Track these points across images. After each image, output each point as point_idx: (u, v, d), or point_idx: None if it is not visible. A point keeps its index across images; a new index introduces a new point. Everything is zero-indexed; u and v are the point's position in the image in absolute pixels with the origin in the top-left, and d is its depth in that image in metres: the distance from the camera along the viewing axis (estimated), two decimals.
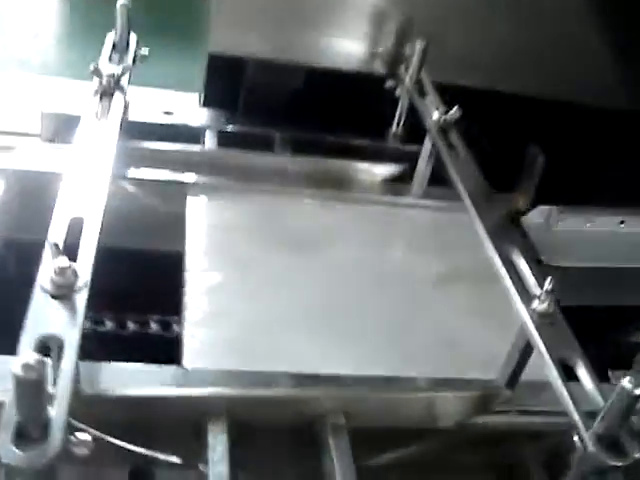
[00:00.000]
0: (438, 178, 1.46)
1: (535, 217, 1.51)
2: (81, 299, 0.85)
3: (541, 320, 0.96)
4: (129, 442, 0.97)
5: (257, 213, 1.37)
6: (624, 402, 0.79)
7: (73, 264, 0.88)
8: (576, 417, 0.85)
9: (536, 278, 1.02)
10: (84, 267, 0.89)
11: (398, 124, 1.59)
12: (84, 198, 1.01)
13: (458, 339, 1.17)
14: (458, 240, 1.36)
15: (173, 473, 0.98)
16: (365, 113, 1.56)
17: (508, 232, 1.12)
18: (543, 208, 1.51)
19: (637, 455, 0.81)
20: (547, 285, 0.97)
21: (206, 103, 1.67)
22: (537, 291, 0.99)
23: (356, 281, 1.25)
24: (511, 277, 1.02)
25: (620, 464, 0.81)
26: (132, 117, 1.48)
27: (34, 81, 1.65)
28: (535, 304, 0.97)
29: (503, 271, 1.03)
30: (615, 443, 0.82)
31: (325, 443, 0.97)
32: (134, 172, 1.40)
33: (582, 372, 0.91)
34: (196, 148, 1.48)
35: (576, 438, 0.84)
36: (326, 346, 1.10)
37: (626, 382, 0.78)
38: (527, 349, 0.99)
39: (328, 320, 1.16)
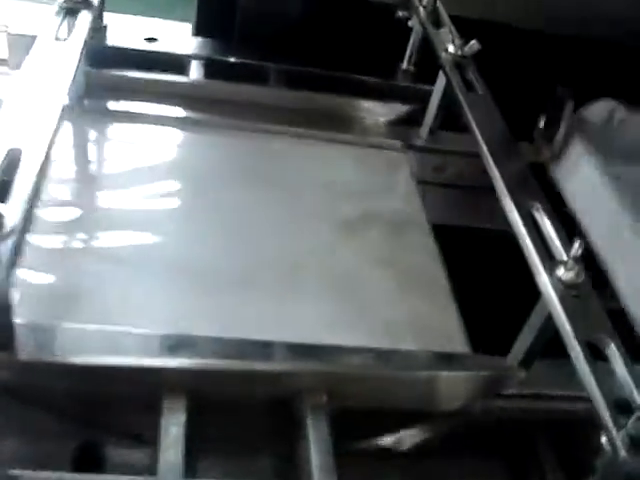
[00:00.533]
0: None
1: (595, 113, 1.31)
2: (6, 248, 0.70)
3: (567, 291, 0.80)
4: (74, 415, 0.83)
5: (241, 153, 1.20)
6: None
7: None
8: (605, 413, 0.69)
9: (562, 242, 0.86)
10: (14, 209, 0.73)
11: (409, 60, 1.41)
12: (28, 128, 0.84)
13: None
14: None
15: (124, 452, 0.83)
16: (372, 47, 1.39)
17: (531, 187, 0.95)
18: (606, 103, 1.30)
19: None
20: (575, 250, 0.80)
21: (198, 33, 1.48)
22: (563, 257, 0.83)
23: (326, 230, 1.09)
24: (532, 239, 0.85)
25: None
26: (111, 43, 1.35)
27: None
28: (561, 272, 0.81)
29: (523, 231, 0.86)
30: None
31: (302, 425, 0.81)
32: (106, 104, 1.22)
33: (613, 355, 0.75)
34: (176, 78, 1.30)
35: (604, 439, 0.68)
36: None
37: None
38: (548, 324, 0.83)
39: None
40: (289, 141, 1.24)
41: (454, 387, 0.89)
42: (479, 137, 1.03)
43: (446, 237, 1.24)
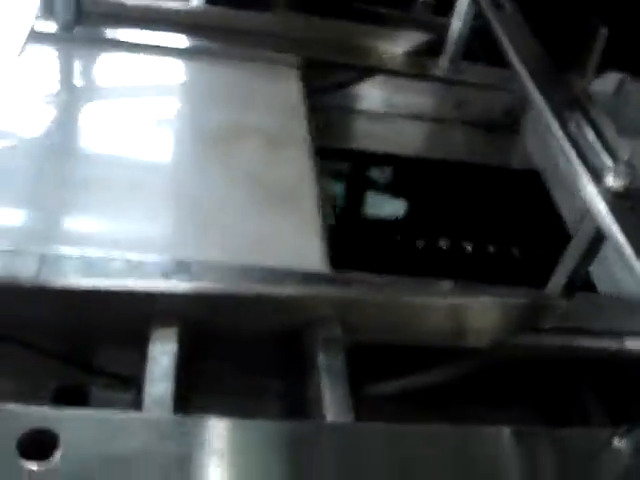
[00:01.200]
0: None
1: (602, 86, 1.20)
2: None
3: (618, 202, 0.68)
4: (55, 352, 0.72)
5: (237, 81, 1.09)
6: None
7: None
8: None
9: (610, 152, 0.74)
10: None
11: None
12: None
13: None
14: None
15: (109, 394, 0.73)
16: None
17: (571, 100, 0.84)
18: (613, 75, 1.20)
19: None
20: (625, 154, 0.69)
21: None
22: (610, 164, 0.72)
23: None
24: (575, 149, 0.74)
25: None
26: None
27: None
28: (609, 180, 0.70)
29: (564, 140, 0.75)
30: None
31: (313, 361, 0.70)
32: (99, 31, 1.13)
33: None
34: (176, 5, 1.19)
35: None
36: None
37: None
38: (594, 244, 0.72)
39: None
40: None
41: (485, 318, 0.78)
42: (511, 53, 0.92)
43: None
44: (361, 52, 1.21)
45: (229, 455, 0.57)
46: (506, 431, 0.64)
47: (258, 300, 0.72)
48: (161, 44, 1.14)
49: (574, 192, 0.73)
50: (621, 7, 1.28)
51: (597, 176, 0.71)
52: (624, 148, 0.70)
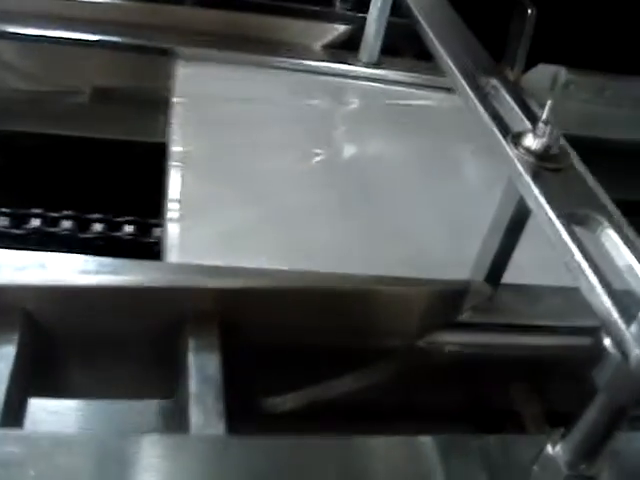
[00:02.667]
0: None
1: (535, 78, 1.12)
2: None
3: (540, 164, 0.58)
4: None
5: None
6: None
7: None
8: (606, 304, 0.47)
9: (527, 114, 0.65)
10: None
11: None
12: None
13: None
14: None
15: None
16: None
17: (484, 61, 0.74)
18: (546, 67, 1.13)
19: None
20: (546, 112, 0.59)
21: None
22: (528, 125, 0.62)
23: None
24: (485, 108, 0.64)
25: None
26: None
27: None
28: (528, 141, 0.60)
29: (474, 99, 0.65)
30: None
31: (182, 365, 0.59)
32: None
33: (609, 239, 0.54)
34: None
35: (608, 342, 0.46)
36: None
37: None
38: (519, 218, 0.62)
39: None
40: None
41: (396, 311, 0.67)
42: (424, 25, 0.83)
43: None
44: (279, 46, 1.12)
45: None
46: (424, 440, 0.54)
47: (116, 293, 0.60)
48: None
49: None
50: None
51: (516, 139, 0.61)
52: (546, 107, 0.60)
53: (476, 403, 0.72)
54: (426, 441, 0.54)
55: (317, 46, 1.15)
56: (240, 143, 0.89)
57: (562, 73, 1.18)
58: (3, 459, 0.46)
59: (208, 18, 1.13)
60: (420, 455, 0.54)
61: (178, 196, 0.76)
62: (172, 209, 0.74)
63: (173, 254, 0.66)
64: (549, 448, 0.53)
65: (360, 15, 1.18)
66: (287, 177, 0.85)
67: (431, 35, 0.82)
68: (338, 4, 1.24)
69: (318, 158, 0.91)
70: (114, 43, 1.05)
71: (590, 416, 0.50)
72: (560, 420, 0.55)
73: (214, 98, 0.98)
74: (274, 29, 1.14)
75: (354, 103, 1.09)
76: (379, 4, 1.07)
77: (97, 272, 0.62)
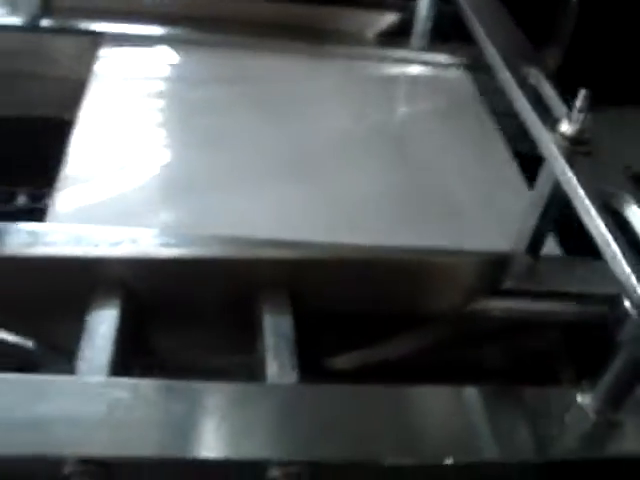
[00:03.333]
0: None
1: None
2: None
3: (573, 148, 0.66)
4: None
5: (218, 66, 1.07)
6: None
7: None
8: (626, 272, 0.55)
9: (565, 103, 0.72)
10: None
11: None
12: None
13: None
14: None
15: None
16: None
17: (528, 54, 0.81)
18: None
19: None
20: (580, 101, 0.66)
21: None
22: (564, 112, 0.69)
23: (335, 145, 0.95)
24: (527, 97, 0.71)
25: None
26: None
27: None
28: (564, 127, 0.67)
29: (517, 89, 0.72)
30: None
31: (259, 326, 0.67)
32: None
33: (634, 215, 0.61)
34: None
35: (628, 304, 0.54)
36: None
37: None
38: (555, 195, 0.69)
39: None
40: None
41: (447, 279, 0.75)
42: (477, 28, 0.89)
43: None
44: (334, 36, 1.19)
45: (161, 416, 0.54)
46: (470, 390, 0.62)
47: (202, 265, 0.69)
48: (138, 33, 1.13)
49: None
50: None
51: (552, 124, 0.68)
52: (580, 96, 0.67)
53: (517, 363, 0.79)
54: (471, 391, 0.62)
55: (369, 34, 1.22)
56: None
57: None
58: (112, 403, 0.56)
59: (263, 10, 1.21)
60: (465, 403, 0.62)
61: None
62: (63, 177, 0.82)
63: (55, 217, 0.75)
64: (579, 398, 0.61)
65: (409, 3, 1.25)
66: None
67: (477, 25, 0.89)
68: None
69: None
70: None
71: (614, 369, 0.58)
72: (590, 376, 0.63)
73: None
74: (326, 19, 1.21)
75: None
76: None
77: (179, 245, 0.71)
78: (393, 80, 1.15)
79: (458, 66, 1.16)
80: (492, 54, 0.81)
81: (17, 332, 0.73)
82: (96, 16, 1.15)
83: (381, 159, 0.94)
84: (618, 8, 1.30)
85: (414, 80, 1.16)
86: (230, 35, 1.15)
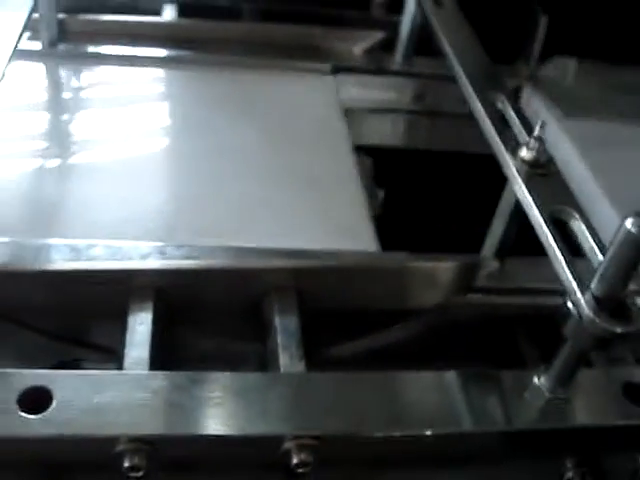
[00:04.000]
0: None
1: (549, 70, 1.31)
2: None
3: (532, 170, 0.79)
4: (50, 331, 0.83)
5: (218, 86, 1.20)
6: (628, 251, 0.61)
7: None
8: (569, 277, 0.68)
9: (525, 128, 0.85)
10: None
11: None
12: None
13: None
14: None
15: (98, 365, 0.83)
16: None
17: (494, 81, 0.94)
18: (559, 60, 1.31)
19: None
20: (537, 130, 0.79)
21: None
22: (524, 138, 0.82)
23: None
24: (495, 126, 0.84)
25: (625, 331, 0.64)
26: None
27: None
28: (523, 152, 0.80)
29: (485, 118, 0.85)
30: (619, 306, 0.65)
31: (270, 325, 0.81)
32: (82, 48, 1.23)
33: (579, 228, 0.74)
34: (151, 19, 1.30)
35: (570, 304, 0.67)
36: None
37: (630, 223, 0.60)
38: (516, 209, 0.82)
39: None
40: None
41: (428, 280, 0.88)
42: (446, 46, 1.02)
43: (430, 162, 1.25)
44: (323, 53, 1.32)
45: (194, 401, 0.68)
46: (448, 374, 0.75)
47: (222, 273, 0.82)
48: (148, 55, 1.24)
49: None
50: None
51: (512, 149, 0.81)
52: (538, 125, 0.80)
53: (488, 349, 0.93)
54: (449, 375, 0.75)
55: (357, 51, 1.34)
56: None
57: (573, 63, 1.35)
58: (155, 391, 0.69)
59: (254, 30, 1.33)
60: (444, 385, 0.74)
61: None
62: None
63: None
64: (536, 379, 0.74)
65: (393, 19, 1.37)
66: None
67: (448, 48, 1.01)
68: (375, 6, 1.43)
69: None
70: None
71: (562, 356, 0.71)
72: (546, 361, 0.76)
73: None
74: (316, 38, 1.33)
75: None
76: (410, 15, 1.25)
77: (200, 257, 0.84)
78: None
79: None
80: (463, 82, 0.94)
81: (60, 332, 0.86)
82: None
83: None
84: (588, 18, 1.42)
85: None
86: (225, 55, 1.26)
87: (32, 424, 0.63)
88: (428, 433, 0.68)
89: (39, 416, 0.64)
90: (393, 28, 1.32)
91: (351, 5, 1.41)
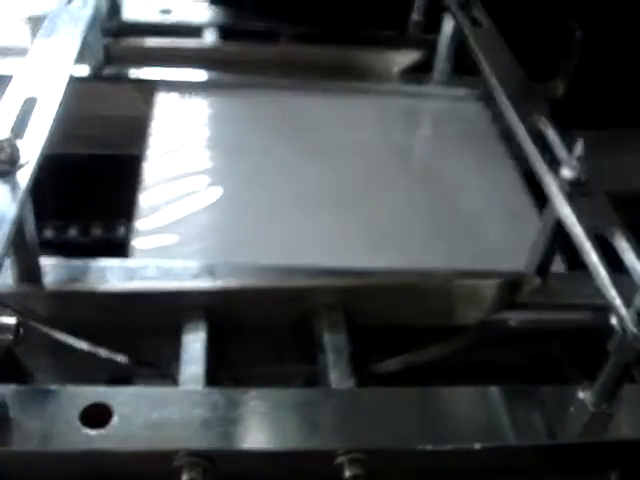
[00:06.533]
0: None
1: None
2: (24, 175, 0.73)
3: (572, 190, 0.81)
4: (105, 346, 0.86)
5: (261, 106, 1.23)
6: None
7: (17, 141, 0.76)
8: (613, 293, 0.69)
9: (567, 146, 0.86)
10: (30, 144, 0.77)
11: (419, 10, 1.41)
12: (42, 80, 0.88)
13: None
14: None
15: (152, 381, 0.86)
16: (381, 3, 1.40)
17: (534, 101, 0.96)
18: None
19: None
20: (578, 150, 0.81)
21: (213, 1, 1.51)
22: (565, 156, 0.84)
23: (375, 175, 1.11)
24: (535, 144, 0.86)
25: None
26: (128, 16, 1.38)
27: None
28: (564, 171, 0.82)
29: (527, 137, 0.87)
30: None
31: (319, 342, 0.83)
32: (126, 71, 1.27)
33: (622, 246, 0.76)
34: (194, 43, 1.33)
35: (614, 320, 0.69)
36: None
37: None
38: (558, 228, 0.84)
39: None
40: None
41: (472, 297, 0.90)
42: (491, 78, 1.03)
43: None
44: (361, 74, 1.34)
45: (249, 417, 0.70)
46: (492, 389, 0.76)
47: (271, 292, 0.85)
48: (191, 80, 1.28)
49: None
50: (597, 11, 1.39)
51: (554, 168, 0.83)
52: (578, 145, 0.82)
53: (531, 365, 0.95)
54: (493, 390, 0.77)
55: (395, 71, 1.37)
56: None
57: None
58: (211, 407, 0.71)
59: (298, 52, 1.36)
60: (488, 400, 0.76)
61: None
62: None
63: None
64: (580, 394, 0.75)
65: (431, 37, 1.39)
66: None
67: (488, 70, 1.03)
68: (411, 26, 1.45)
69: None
70: None
71: (607, 371, 0.72)
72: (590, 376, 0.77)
73: None
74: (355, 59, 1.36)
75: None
76: (447, 34, 1.28)
77: (250, 276, 0.87)
78: (416, 113, 1.30)
79: (476, 98, 1.31)
80: (502, 101, 0.96)
81: (112, 349, 0.89)
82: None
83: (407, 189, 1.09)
84: (621, 41, 1.43)
85: (435, 113, 1.31)
86: (269, 78, 1.30)
87: (94, 439, 0.66)
88: (477, 447, 0.70)
89: (100, 431, 0.66)
90: (431, 48, 1.34)
91: (388, 26, 1.43)
